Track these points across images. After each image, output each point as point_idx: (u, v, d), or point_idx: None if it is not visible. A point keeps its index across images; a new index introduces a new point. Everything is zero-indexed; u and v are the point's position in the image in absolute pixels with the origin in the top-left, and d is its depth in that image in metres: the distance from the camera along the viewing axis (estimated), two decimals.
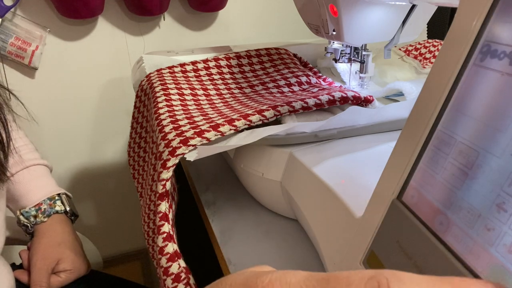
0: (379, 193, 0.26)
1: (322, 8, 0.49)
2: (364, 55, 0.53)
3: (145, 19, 0.90)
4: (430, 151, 0.22)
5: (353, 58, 0.55)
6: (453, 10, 0.76)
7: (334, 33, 0.50)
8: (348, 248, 0.28)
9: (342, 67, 0.59)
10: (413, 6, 0.47)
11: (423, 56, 0.71)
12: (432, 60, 0.69)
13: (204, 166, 0.57)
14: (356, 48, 0.54)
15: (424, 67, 0.67)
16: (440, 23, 0.77)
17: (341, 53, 0.55)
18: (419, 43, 0.73)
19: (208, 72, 0.55)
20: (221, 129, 0.37)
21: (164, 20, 0.91)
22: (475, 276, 0.17)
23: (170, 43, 0.94)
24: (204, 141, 0.36)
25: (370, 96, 0.46)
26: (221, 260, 0.40)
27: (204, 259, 0.51)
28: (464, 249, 0.18)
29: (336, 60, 0.56)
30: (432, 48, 0.71)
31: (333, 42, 0.56)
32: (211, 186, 0.53)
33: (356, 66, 0.56)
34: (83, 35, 0.87)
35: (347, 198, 0.31)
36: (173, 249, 0.33)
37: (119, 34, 0.89)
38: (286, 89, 0.51)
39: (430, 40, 0.72)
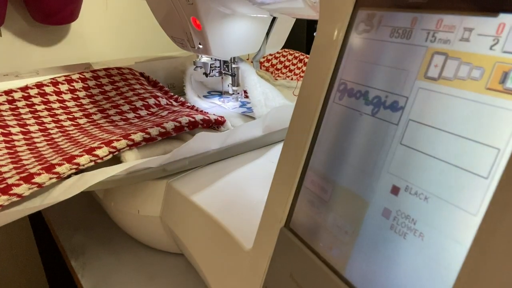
0: (266, 222, 0.24)
1: (184, 21, 0.46)
2: (234, 67, 0.51)
3: None
4: (310, 173, 0.20)
5: (223, 72, 0.53)
6: (308, 22, 0.82)
7: (201, 46, 0.47)
8: (240, 286, 0.26)
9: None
10: (274, 18, 0.48)
11: (275, 67, 0.72)
12: (284, 70, 0.71)
13: (68, 208, 0.48)
14: (225, 61, 0.52)
15: (276, 79, 0.68)
16: (298, 31, 0.82)
17: (211, 67, 0.53)
18: (270, 54, 0.74)
19: (29, 102, 0.45)
20: (37, 179, 0.29)
21: (0, 36, 0.76)
22: None
23: (10, 63, 0.79)
24: (14, 198, 0.28)
25: (221, 117, 0.43)
26: None
27: None
28: (358, 277, 0.17)
29: (206, 75, 0.53)
30: (282, 59, 0.72)
31: (202, 56, 0.53)
32: (78, 230, 0.44)
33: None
34: None
35: (234, 228, 0.29)
36: None
37: None
38: (131, 115, 0.44)
39: (279, 51, 0.73)
